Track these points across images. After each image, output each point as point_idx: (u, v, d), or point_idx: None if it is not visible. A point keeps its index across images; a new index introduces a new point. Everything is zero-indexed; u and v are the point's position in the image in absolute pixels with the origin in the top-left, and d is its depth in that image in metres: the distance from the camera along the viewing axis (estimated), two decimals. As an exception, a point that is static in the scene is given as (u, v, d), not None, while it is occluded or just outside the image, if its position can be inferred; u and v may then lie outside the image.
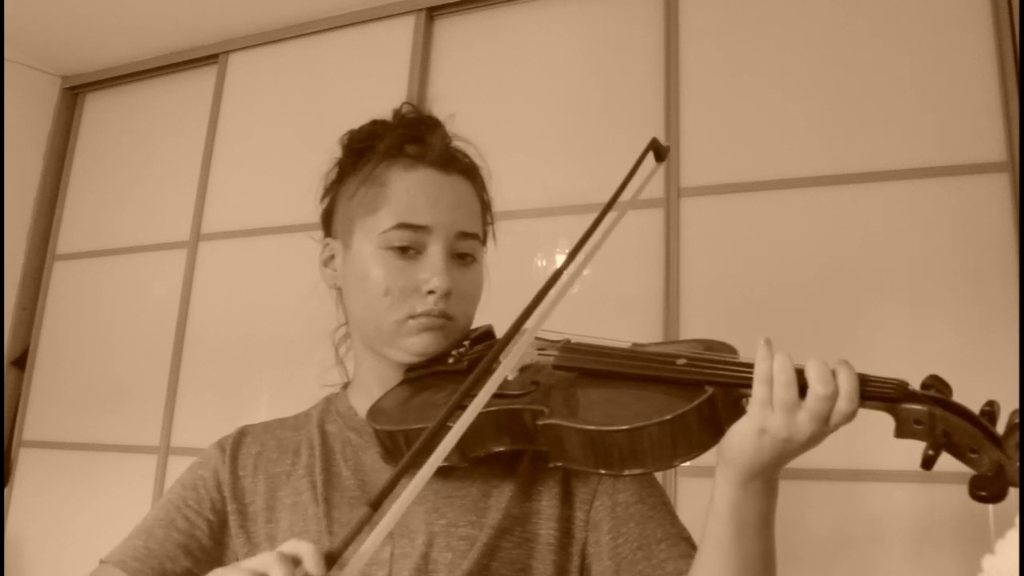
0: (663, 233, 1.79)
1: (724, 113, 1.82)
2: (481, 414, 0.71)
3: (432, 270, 0.79)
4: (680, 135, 1.83)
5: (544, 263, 1.89)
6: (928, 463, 0.57)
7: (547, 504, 0.78)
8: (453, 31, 2.17)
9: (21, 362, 2.50)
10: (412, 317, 0.79)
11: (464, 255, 0.83)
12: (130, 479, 2.20)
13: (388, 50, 2.18)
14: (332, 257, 0.88)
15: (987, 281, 1.53)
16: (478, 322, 0.87)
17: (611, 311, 1.79)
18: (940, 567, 1.45)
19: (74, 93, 2.69)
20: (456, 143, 0.87)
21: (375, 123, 0.88)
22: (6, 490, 2.39)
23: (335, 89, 2.25)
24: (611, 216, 0.75)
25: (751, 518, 0.65)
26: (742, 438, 0.63)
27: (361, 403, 0.85)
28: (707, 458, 0.68)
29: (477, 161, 0.89)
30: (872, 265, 1.62)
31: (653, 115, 1.87)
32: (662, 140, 1.82)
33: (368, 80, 2.20)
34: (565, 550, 0.77)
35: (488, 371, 0.60)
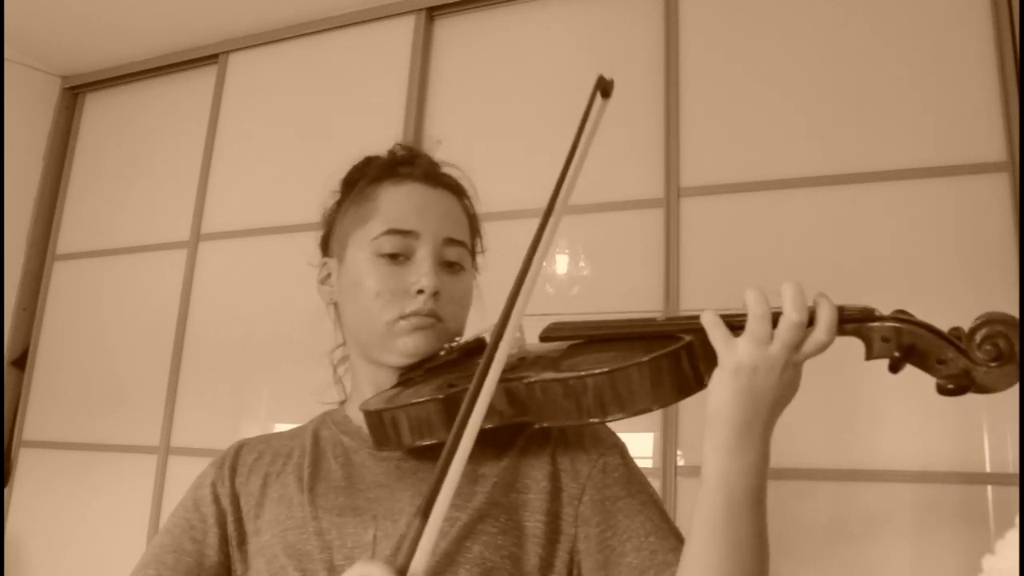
0: (663, 233, 1.79)
1: (724, 113, 1.82)
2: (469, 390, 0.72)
3: (420, 272, 0.82)
4: (680, 135, 1.83)
5: (544, 263, 1.89)
6: (895, 367, 0.61)
7: (535, 497, 0.79)
8: (453, 31, 2.17)
9: (21, 362, 2.51)
10: (403, 317, 0.82)
11: (452, 263, 0.86)
12: (130, 479, 2.20)
13: (388, 50, 2.18)
14: (329, 275, 0.91)
15: (987, 281, 1.53)
16: (477, 331, 0.88)
17: (611, 311, 1.79)
18: (940, 567, 1.44)
19: (74, 93, 2.69)
20: (445, 168, 0.92)
21: (368, 158, 0.93)
22: (6, 490, 2.39)
23: (335, 89, 2.25)
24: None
25: (739, 494, 0.65)
26: (719, 385, 0.65)
27: (356, 412, 0.86)
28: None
29: (464, 182, 0.93)
30: (872, 265, 1.62)
31: (653, 115, 1.87)
32: (662, 140, 1.83)
33: (368, 80, 2.20)
34: (552, 545, 0.77)
35: (494, 349, 0.67)
